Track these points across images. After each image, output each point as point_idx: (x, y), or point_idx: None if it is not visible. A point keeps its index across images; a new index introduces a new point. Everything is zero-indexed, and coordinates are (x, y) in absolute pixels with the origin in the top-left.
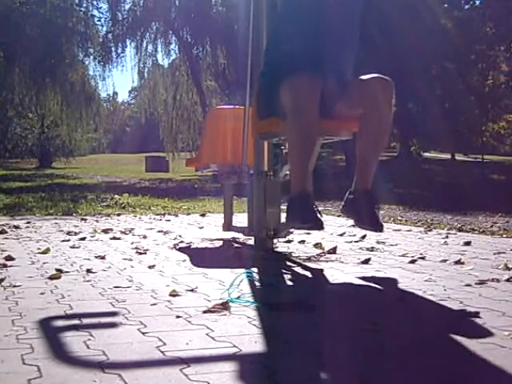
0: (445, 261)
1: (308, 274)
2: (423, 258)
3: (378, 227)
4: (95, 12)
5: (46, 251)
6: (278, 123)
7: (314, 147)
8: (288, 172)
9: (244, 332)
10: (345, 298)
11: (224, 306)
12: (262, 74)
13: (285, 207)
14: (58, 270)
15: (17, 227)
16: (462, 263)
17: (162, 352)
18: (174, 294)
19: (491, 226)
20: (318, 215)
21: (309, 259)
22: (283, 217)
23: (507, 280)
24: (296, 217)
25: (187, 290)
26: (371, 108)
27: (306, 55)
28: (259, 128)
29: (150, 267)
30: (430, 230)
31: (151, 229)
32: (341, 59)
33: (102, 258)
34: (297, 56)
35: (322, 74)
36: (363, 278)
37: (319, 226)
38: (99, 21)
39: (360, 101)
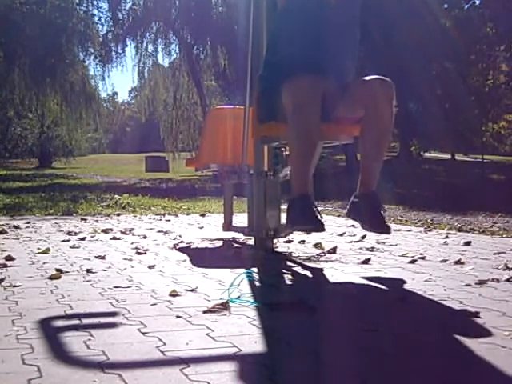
0: (445, 261)
1: (308, 273)
2: (423, 258)
3: (384, 229)
4: (95, 11)
5: (46, 251)
6: (279, 127)
7: (316, 149)
8: (288, 173)
9: (244, 332)
10: (345, 298)
11: (224, 306)
12: (261, 78)
13: (285, 207)
14: (57, 269)
15: (17, 227)
16: (462, 263)
17: (162, 352)
18: (174, 294)
19: (491, 226)
20: (319, 217)
21: (309, 259)
22: (283, 217)
23: (507, 280)
24: (297, 219)
25: (187, 290)
26: (372, 109)
27: (306, 57)
28: (260, 132)
29: (150, 267)
30: (430, 230)
31: (151, 229)
32: (341, 62)
33: (102, 258)
34: (297, 58)
35: (323, 76)
36: (363, 278)
37: (320, 228)
38: (99, 20)
39: (360, 102)
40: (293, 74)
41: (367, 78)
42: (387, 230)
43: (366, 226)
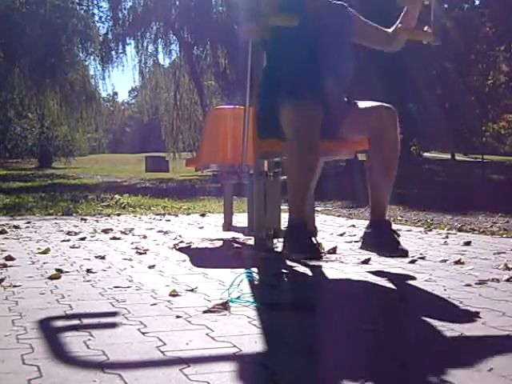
0: (445, 261)
1: (308, 273)
2: (423, 258)
3: (400, 252)
4: (95, 11)
5: (46, 251)
6: (280, 143)
7: (314, 175)
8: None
9: (244, 332)
10: (345, 298)
11: (224, 306)
12: (259, 96)
13: (285, 207)
14: (57, 269)
15: (17, 227)
16: (462, 263)
17: (162, 352)
18: (174, 294)
19: (491, 226)
20: (316, 245)
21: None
22: (284, 217)
23: (507, 280)
24: (293, 247)
25: (187, 290)
26: (378, 137)
27: (301, 80)
28: (260, 148)
29: (150, 267)
30: (430, 230)
31: (151, 229)
32: (337, 80)
33: (102, 258)
34: (292, 81)
35: (320, 99)
36: (363, 278)
37: (317, 256)
38: (100, 20)
39: (365, 128)
40: (289, 97)
41: (369, 104)
42: (404, 253)
43: (382, 252)
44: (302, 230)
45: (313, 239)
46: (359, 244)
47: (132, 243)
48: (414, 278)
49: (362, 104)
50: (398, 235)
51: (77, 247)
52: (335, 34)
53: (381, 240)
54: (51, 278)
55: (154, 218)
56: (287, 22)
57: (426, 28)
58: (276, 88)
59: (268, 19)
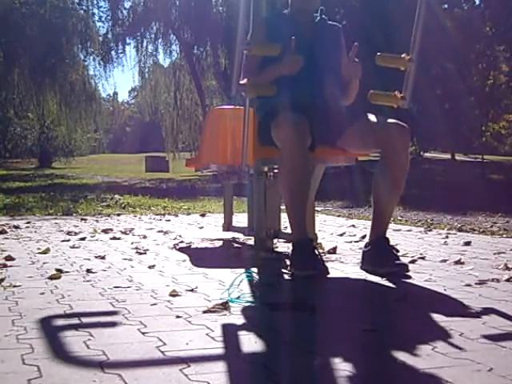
0: (445, 261)
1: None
2: (423, 258)
3: (400, 266)
4: (95, 11)
5: (46, 251)
6: (278, 152)
7: (308, 190)
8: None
9: (244, 332)
10: (345, 297)
11: (224, 306)
12: (259, 108)
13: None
14: (57, 270)
15: (17, 227)
16: (462, 263)
17: (162, 352)
18: (174, 294)
19: (491, 226)
20: (320, 261)
21: None
22: (283, 217)
23: (507, 280)
24: (298, 264)
25: (187, 290)
26: (388, 155)
27: (289, 95)
28: (260, 153)
29: (150, 267)
30: (430, 230)
31: (151, 229)
32: (332, 91)
33: (102, 258)
34: (280, 96)
35: (308, 110)
36: (363, 279)
37: (323, 272)
38: (100, 19)
39: (376, 144)
40: (278, 112)
41: (383, 119)
42: (404, 268)
43: (380, 269)
44: (305, 246)
45: (318, 256)
46: (359, 245)
47: (132, 243)
48: (413, 278)
49: (372, 117)
50: (397, 250)
51: (77, 247)
52: (328, 49)
53: (379, 256)
54: (51, 277)
55: (154, 218)
56: (271, 52)
57: (396, 93)
58: (273, 98)
59: (252, 49)
